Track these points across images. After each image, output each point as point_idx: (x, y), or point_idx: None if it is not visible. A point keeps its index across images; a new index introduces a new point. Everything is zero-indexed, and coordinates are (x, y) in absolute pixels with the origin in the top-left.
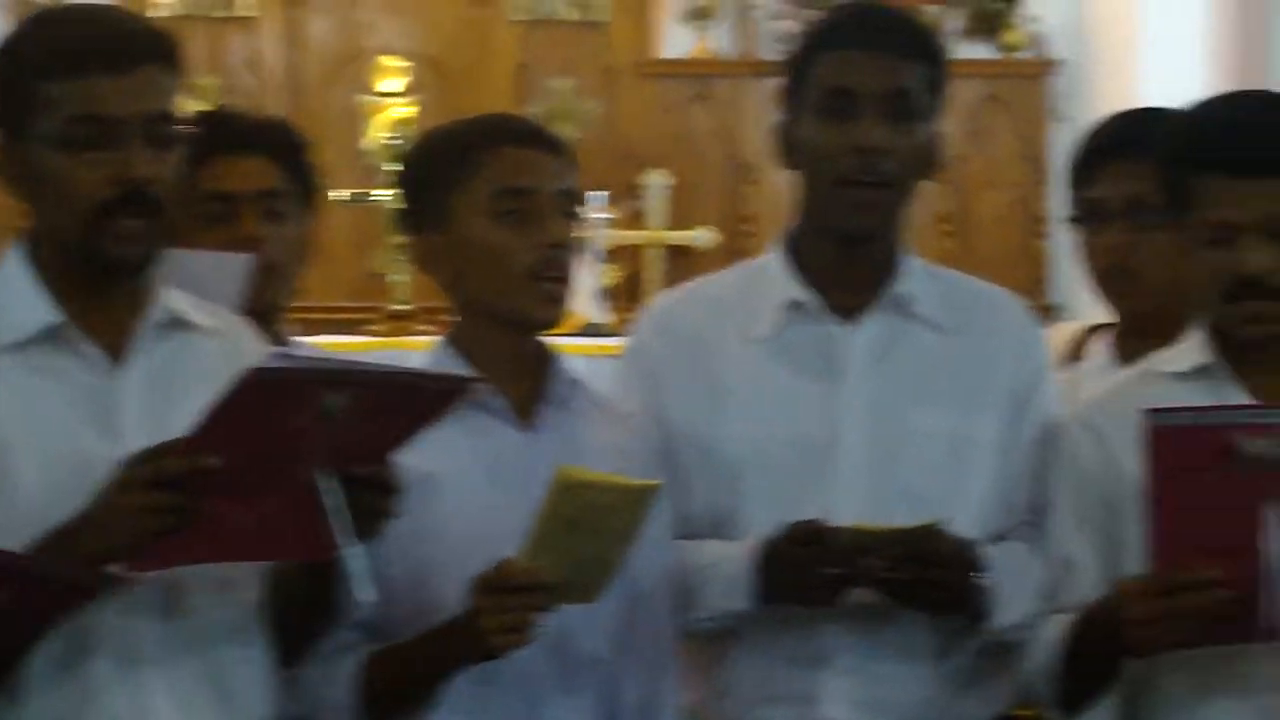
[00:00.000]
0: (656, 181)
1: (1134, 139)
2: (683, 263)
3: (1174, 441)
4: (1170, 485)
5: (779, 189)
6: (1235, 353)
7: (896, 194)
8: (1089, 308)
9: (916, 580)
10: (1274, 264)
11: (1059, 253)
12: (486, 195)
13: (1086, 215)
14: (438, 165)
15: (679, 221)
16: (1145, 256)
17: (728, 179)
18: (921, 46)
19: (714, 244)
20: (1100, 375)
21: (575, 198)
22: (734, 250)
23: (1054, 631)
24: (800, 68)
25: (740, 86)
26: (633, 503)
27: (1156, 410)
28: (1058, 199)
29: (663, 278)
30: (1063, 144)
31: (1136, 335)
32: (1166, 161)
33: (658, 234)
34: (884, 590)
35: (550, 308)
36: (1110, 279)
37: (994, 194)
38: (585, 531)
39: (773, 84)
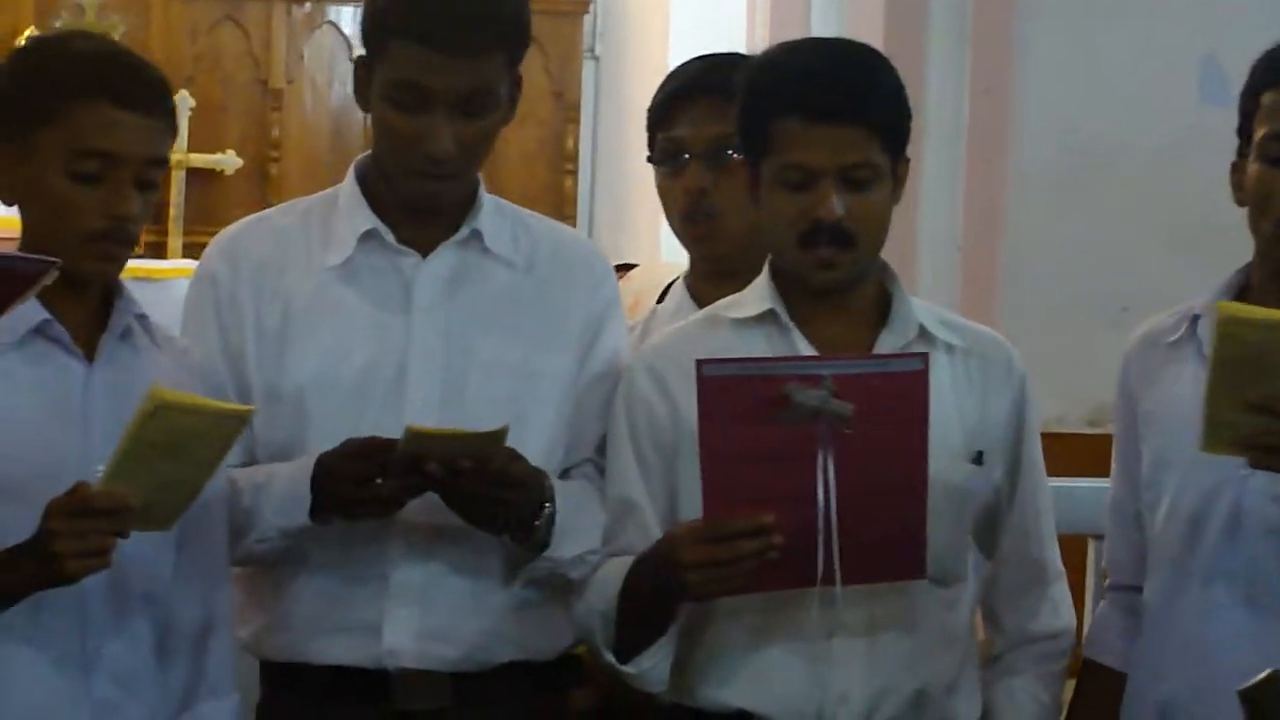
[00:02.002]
0: (182, 103)
1: (715, 82)
2: (207, 186)
3: (725, 390)
4: (723, 433)
5: (305, 116)
6: (800, 300)
7: (461, 181)
8: (615, 246)
9: (486, 497)
10: (847, 210)
11: (586, 191)
12: (65, 151)
13: (666, 156)
14: (25, 100)
15: (204, 144)
16: (724, 199)
17: (255, 103)
18: (501, 35)
19: (239, 168)
20: (675, 317)
21: (162, 164)
22: (259, 175)
23: (610, 575)
24: (375, 44)
25: (270, 10)
26: (224, 428)
27: (708, 360)
28: (587, 137)
29: (186, 200)
30: (594, 82)
31: (713, 278)
32: (745, 105)
33: (182, 156)
34: (452, 503)
35: (104, 267)
36: (689, 221)
37: (523, 131)
38: (170, 455)
39: (302, 10)
